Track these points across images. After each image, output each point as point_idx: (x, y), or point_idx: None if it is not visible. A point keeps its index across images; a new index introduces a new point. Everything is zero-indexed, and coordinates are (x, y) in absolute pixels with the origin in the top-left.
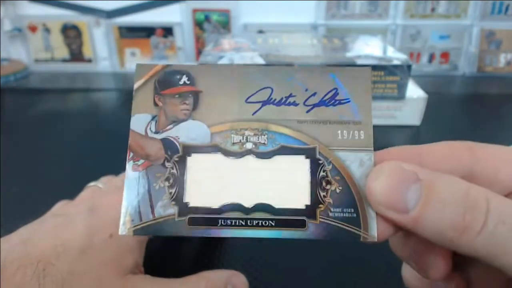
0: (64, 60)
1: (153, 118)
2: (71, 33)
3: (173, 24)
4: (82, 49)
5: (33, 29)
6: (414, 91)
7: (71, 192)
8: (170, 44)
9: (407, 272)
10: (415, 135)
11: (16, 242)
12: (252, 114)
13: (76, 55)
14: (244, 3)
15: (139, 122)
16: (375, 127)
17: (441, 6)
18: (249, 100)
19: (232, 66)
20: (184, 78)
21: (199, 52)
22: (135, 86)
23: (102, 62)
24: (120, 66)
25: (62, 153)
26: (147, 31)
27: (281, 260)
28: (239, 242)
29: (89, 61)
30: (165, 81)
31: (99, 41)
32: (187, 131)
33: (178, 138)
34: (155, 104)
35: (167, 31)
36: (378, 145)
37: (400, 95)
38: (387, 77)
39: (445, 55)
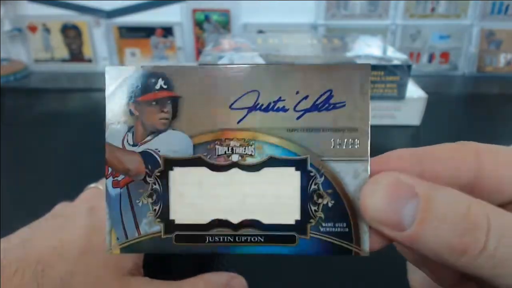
0: (64, 60)
1: (130, 129)
2: (71, 33)
3: (173, 24)
4: (82, 49)
5: (33, 29)
6: (414, 91)
7: (71, 193)
8: (170, 44)
9: (415, 278)
10: (415, 135)
11: (15, 243)
12: (238, 122)
13: (76, 55)
14: (244, 3)
15: (115, 134)
16: (375, 127)
17: (441, 6)
18: (233, 106)
19: (213, 68)
20: (160, 82)
21: (199, 52)
22: (107, 93)
23: (102, 62)
24: None
25: (62, 153)
26: (147, 31)
27: (281, 262)
28: None
29: (89, 61)
30: (140, 86)
31: (99, 41)
32: (168, 143)
33: (159, 151)
34: (131, 113)
35: (167, 31)
36: (378, 146)
37: (400, 95)
38: (387, 77)
39: (445, 55)
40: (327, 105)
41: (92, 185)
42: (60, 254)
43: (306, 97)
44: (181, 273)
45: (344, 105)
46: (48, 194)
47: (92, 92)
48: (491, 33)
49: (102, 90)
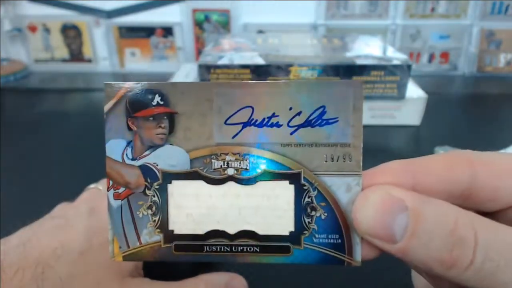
0: (64, 60)
1: (129, 143)
2: (71, 33)
3: (173, 24)
4: (82, 49)
5: (33, 29)
6: (414, 91)
7: (71, 193)
8: (170, 44)
9: (419, 281)
10: (415, 135)
11: (15, 244)
12: (232, 137)
13: (76, 55)
14: (244, 3)
15: (114, 148)
16: (375, 127)
17: (441, 6)
18: (228, 122)
19: (208, 84)
20: (157, 98)
21: (199, 52)
22: (105, 108)
23: (102, 62)
24: (120, 66)
25: (62, 153)
26: (147, 31)
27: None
28: None
29: (89, 61)
30: (137, 102)
31: (99, 41)
32: (165, 158)
33: (157, 165)
34: (129, 128)
35: (167, 31)
36: (378, 146)
37: (400, 95)
38: (387, 77)
39: (445, 55)
40: (320, 120)
41: (92, 185)
42: (60, 255)
43: (299, 113)
44: (181, 273)
45: (337, 121)
46: (48, 194)
47: (92, 92)
48: (491, 33)
49: (102, 90)
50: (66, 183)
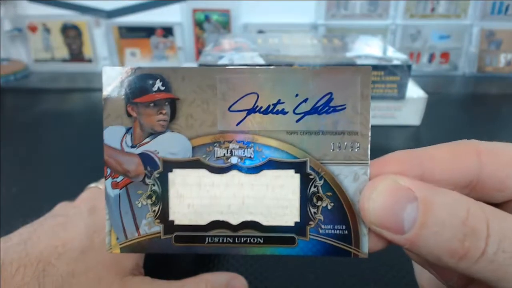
0: (64, 60)
1: (128, 130)
2: (71, 33)
3: (173, 24)
4: (82, 49)
5: (33, 29)
6: (414, 91)
7: (71, 192)
8: (170, 44)
9: (423, 277)
10: (415, 135)
11: (16, 242)
12: (237, 125)
13: (76, 55)
14: (244, 3)
15: (113, 135)
16: (375, 127)
17: (441, 6)
18: (232, 109)
19: (211, 69)
20: (158, 84)
21: (199, 52)
22: (104, 93)
23: (102, 62)
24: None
25: (62, 153)
26: (147, 31)
27: (281, 262)
28: None
29: (89, 61)
30: (137, 87)
31: (99, 41)
32: (166, 145)
33: (157, 153)
34: (128, 115)
35: (167, 31)
36: (378, 146)
37: (400, 95)
38: (387, 77)
39: (445, 55)
40: (326, 108)
41: (92, 184)
42: (61, 253)
43: (305, 100)
44: (182, 273)
45: (344, 108)
46: (48, 194)
47: (92, 92)
48: (491, 33)
49: (102, 90)
50: (66, 183)
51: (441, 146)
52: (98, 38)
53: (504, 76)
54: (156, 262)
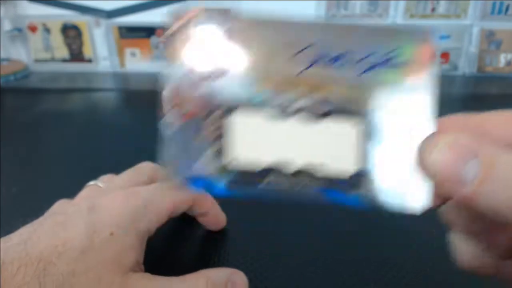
0: (64, 60)
1: (191, 70)
2: (71, 33)
3: None
4: (82, 49)
5: (33, 29)
6: None
7: (71, 191)
8: None
9: (463, 252)
10: None
11: (16, 242)
12: (300, 73)
13: (76, 55)
14: (244, 3)
15: (175, 73)
16: None
17: (441, 6)
18: (296, 58)
19: (278, 19)
20: (224, 28)
21: None
22: (170, 31)
23: (102, 62)
24: (120, 66)
25: (62, 153)
26: (147, 31)
27: (282, 258)
28: (240, 241)
29: (89, 61)
30: (203, 30)
31: (99, 41)
32: (229, 87)
33: (221, 94)
34: (192, 55)
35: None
36: None
37: None
38: None
39: (445, 55)
40: (392, 62)
41: (92, 182)
42: (61, 252)
43: (371, 54)
44: (182, 269)
45: (409, 64)
46: (48, 194)
47: (92, 92)
48: (491, 33)
49: (102, 90)
50: (66, 183)
51: (495, 112)
52: (98, 38)
53: (504, 76)
54: (157, 258)
